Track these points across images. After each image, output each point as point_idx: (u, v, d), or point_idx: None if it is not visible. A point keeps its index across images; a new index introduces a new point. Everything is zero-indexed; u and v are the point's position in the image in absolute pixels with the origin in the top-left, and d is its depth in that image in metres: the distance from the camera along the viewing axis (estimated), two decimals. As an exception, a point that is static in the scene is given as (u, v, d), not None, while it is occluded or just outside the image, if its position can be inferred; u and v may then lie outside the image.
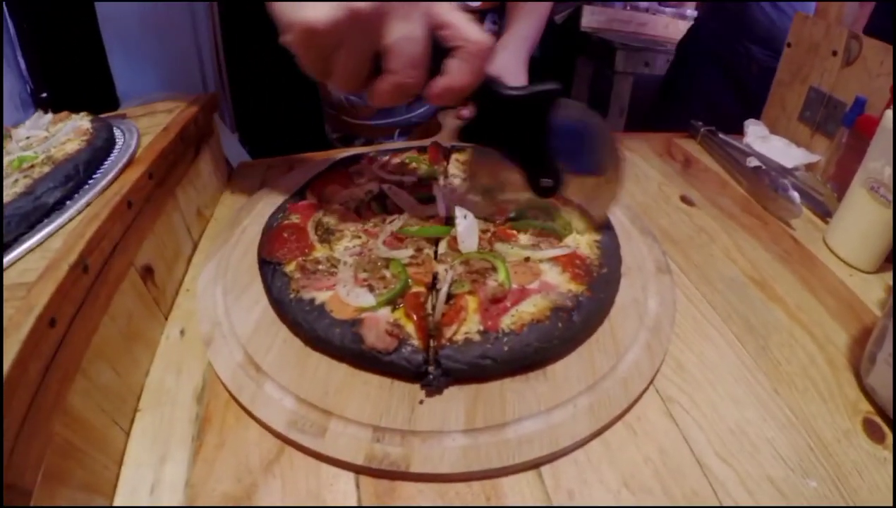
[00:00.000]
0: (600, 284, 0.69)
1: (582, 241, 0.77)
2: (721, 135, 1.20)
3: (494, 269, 0.70)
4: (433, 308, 0.66)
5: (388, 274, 0.69)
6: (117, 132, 0.82)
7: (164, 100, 0.97)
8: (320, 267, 0.71)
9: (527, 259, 0.72)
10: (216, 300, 0.73)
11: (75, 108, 0.84)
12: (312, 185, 0.89)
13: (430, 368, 0.60)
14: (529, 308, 0.65)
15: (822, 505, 0.52)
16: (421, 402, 0.59)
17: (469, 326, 0.63)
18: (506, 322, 0.63)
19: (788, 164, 1.09)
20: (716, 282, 0.80)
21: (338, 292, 0.66)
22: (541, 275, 0.70)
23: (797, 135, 1.18)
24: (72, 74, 2.00)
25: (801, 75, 1.17)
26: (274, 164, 1.12)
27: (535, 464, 0.55)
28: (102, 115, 0.86)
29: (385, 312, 0.65)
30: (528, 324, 0.62)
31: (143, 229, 0.71)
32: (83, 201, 0.64)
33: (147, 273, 0.70)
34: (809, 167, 1.10)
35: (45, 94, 1.96)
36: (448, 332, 0.61)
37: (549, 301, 0.65)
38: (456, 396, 0.60)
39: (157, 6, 2.02)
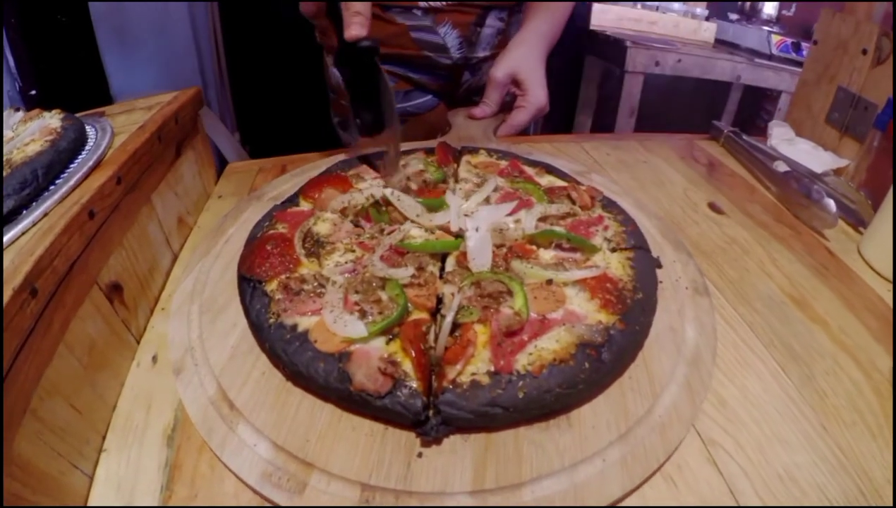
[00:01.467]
0: (635, 314, 0.60)
1: (613, 260, 0.68)
2: (745, 137, 1.13)
3: (510, 293, 0.60)
4: (436, 339, 0.57)
5: (384, 296, 0.60)
6: (90, 131, 0.75)
7: (147, 97, 0.89)
8: (306, 286, 0.62)
9: (549, 282, 0.63)
10: (190, 321, 0.65)
11: (66, 107, 0.76)
12: (306, 189, 0.81)
13: (430, 413, 0.51)
14: (551, 344, 0.55)
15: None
16: (420, 455, 0.50)
17: (477, 365, 0.53)
18: (522, 361, 0.53)
19: (817, 169, 1.02)
20: (753, 301, 0.73)
21: (324, 317, 0.58)
22: (565, 302, 0.61)
23: (824, 137, 1.11)
24: (62, 71, 1.93)
25: (829, 75, 1.10)
26: (266, 166, 1.04)
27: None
28: (80, 114, 0.79)
29: (378, 344, 0.56)
30: (548, 365, 0.52)
31: (109, 242, 0.63)
32: (39, 211, 0.56)
33: (114, 291, 0.62)
34: (838, 172, 1.03)
35: (33, 92, 1.89)
36: (451, 373, 0.52)
37: (574, 336, 0.56)
38: (461, 448, 0.51)
39: (154, 4, 1.96)
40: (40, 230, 0.53)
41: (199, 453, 0.52)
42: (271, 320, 0.58)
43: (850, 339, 0.67)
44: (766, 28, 2.49)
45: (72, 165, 0.66)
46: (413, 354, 0.53)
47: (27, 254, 0.49)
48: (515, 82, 1.14)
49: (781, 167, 1.00)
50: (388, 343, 0.56)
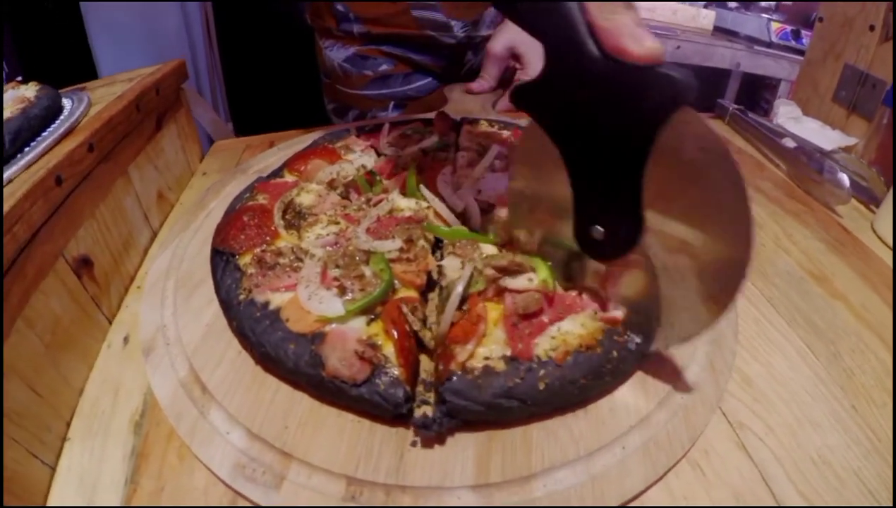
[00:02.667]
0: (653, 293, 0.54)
1: None
2: (751, 115, 1.09)
3: (531, 270, 0.53)
4: (424, 321, 0.51)
5: (367, 271, 0.54)
6: (66, 102, 0.70)
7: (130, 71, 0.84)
8: (282, 260, 0.56)
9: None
10: (164, 298, 0.60)
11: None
12: (292, 161, 0.75)
13: (412, 405, 0.46)
14: (576, 328, 0.49)
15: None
16: (414, 444, 0.45)
17: (490, 347, 0.47)
18: (543, 346, 0.47)
19: (826, 147, 0.98)
20: (772, 277, 0.69)
21: (298, 293, 0.52)
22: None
23: (831, 116, 1.08)
24: (50, 55, 1.88)
25: (835, 52, 1.06)
26: (253, 143, 0.99)
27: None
28: (62, 90, 0.73)
29: (358, 325, 0.50)
30: (573, 352, 0.46)
31: (79, 213, 0.58)
32: (3, 177, 0.51)
33: (83, 266, 0.57)
34: (846, 150, 0.99)
35: (20, 78, 1.84)
36: (462, 354, 0.45)
37: (600, 323, 0.49)
38: (461, 436, 0.45)
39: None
40: (4, 196, 0.48)
41: (167, 441, 0.47)
42: (241, 296, 0.53)
43: (872, 316, 0.64)
44: (765, 15, 2.46)
45: (44, 133, 0.61)
46: (396, 336, 0.47)
47: (-17, 219, 0.44)
48: (515, 56, 1.08)
49: (790, 144, 0.96)
50: (368, 324, 0.50)
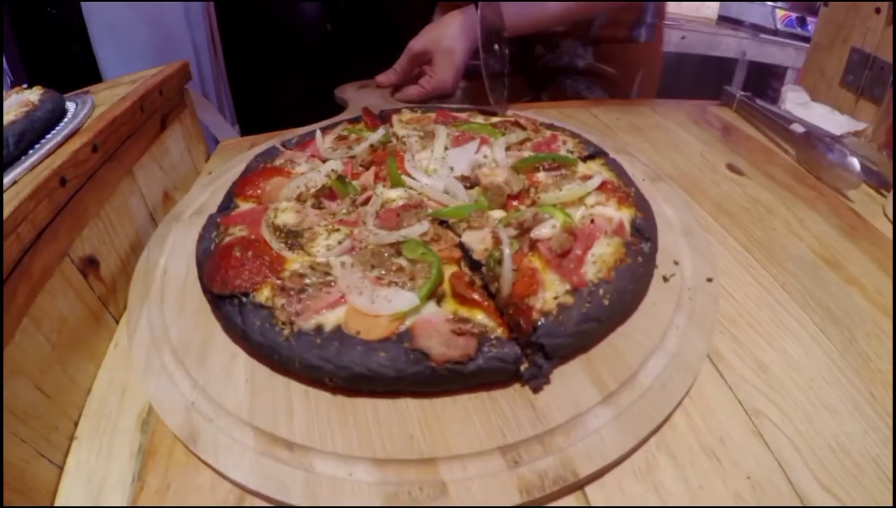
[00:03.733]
0: (641, 202, 0.65)
1: (593, 166, 0.74)
2: (759, 102, 1.08)
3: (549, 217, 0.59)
4: (487, 290, 0.53)
5: (403, 262, 0.54)
6: (70, 105, 0.70)
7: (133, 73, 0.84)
8: (308, 280, 0.53)
9: (581, 199, 0.64)
10: (171, 374, 0.52)
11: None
12: (240, 189, 0.70)
13: (527, 352, 0.48)
14: (606, 249, 0.57)
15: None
16: (535, 392, 0.48)
17: (554, 289, 0.52)
18: (590, 272, 0.54)
19: (835, 132, 0.97)
20: (784, 262, 0.68)
21: (355, 303, 0.50)
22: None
23: (839, 101, 1.06)
24: (55, 64, 1.89)
25: (842, 36, 1.05)
26: (258, 141, 0.98)
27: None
28: (66, 95, 0.73)
29: (433, 310, 0.50)
30: (614, 268, 0.54)
31: (84, 212, 0.58)
32: (8, 179, 0.52)
33: (89, 266, 0.57)
34: (856, 135, 0.98)
35: (25, 85, 1.85)
36: (537, 302, 0.50)
37: (618, 238, 0.58)
38: (569, 372, 0.50)
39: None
40: (7, 197, 0.48)
41: (174, 438, 0.47)
42: (285, 331, 0.49)
43: (887, 301, 0.63)
44: (770, 3, 2.44)
45: (48, 135, 0.61)
46: (480, 300, 0.50)
47: (-13, 220, 0.44)
48: (428, 60, 1.04)
49: (799, 129, 0.95)
50: (439, 304, 0.51)
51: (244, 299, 0.52)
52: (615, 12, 1.17)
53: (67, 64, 1.91)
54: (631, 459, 0.45)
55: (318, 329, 0.49)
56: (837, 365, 0.54)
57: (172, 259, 0.65)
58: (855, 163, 0.82)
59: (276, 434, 0.45)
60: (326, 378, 0.47)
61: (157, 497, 0.43)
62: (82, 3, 1.82)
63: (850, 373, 0.53)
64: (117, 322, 0.60)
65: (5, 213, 0.45)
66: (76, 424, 0.49)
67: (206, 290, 0.56)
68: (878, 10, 0.96)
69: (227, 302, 0.53)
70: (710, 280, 0.61)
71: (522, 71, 1.25)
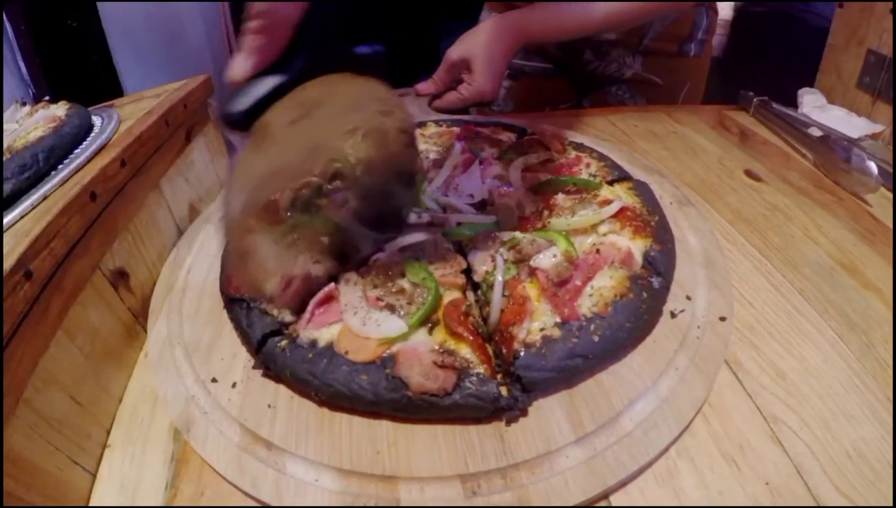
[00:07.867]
0: (661, 233, 0.62)
1: (617, 191, 0.70)
2: (775, 105, 1.07)
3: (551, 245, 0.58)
4: (484, 308, 0.53)
5: (405, 284, 0.54)
6: (96, 120, 0.72)
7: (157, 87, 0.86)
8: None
9: (594, 226, 0.62)
10: (179, 367, 0.55)
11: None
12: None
13: (503, 390, 0.46)
14: (607, 282, 0.54)
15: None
16: (508, 424, 0.47)
17: (542, 319, 0.51)
18: (585, 305, 0.52)
19: (852, 135, 0.96)
20: (802, 268, 0.68)
21: (348, 322, 0.51)
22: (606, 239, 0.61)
23: (856, 103, 1.05)
24: (76, 76, 1.92)
25: (857, 38, 1.04)
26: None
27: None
28: (90, 108, 0.76)
29: (421, 338, 0.50)
30: (612, 302, 0.51)
31: (113, 226, 0.59)
32: (38, 194, 0.53)
33: (120, 278, 0.58)
34: (873, 138, 0.97)
35: (47, 98, 1.89)
36: (521, 332, 0.49)
37: (624, 269, 0.55)
38: (547, 405, 0.48)
39: (164, 5, 1.94)
40: (39, 212, 0.50)
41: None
42: (283, 342, 0.51)
43: (906, 306, 0.62)
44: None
45: (76, 150, 0.63)
46: (466, 335, 0.48)
47: (23, 235, 0.46)
48: (467, 67, 1.01)
49: (816, 133, 0.94)
50: (430, 333, 0.51)
51: (252, 304, 0.55)
52: (667, 26, 1.17)
53: (88, 76, 1.94)
54: (652, 466, 0.46)
55: (313, 343, 0.50)
56: (855, 371, 0.54)
57: (198, 259, 0.69)
58: (873, 167, 0.81)
59: (259, 434, 0.48)
60: (312, 391, 0.49)
61: (190, 502, 0.44)
62: (102, 17, 1.85)
63: (868, 379, 0.53)
64: (146, 332, 0.62)
65: (38, 229, 0.47)
66: (108, 432, 0.51)
67: (222, 291, 0.59)
68: (892, 11, 0.95)
69: (237, 305, 0.56)
70: (723, 319, 0.57)
71: (568, 76, 1.25)
